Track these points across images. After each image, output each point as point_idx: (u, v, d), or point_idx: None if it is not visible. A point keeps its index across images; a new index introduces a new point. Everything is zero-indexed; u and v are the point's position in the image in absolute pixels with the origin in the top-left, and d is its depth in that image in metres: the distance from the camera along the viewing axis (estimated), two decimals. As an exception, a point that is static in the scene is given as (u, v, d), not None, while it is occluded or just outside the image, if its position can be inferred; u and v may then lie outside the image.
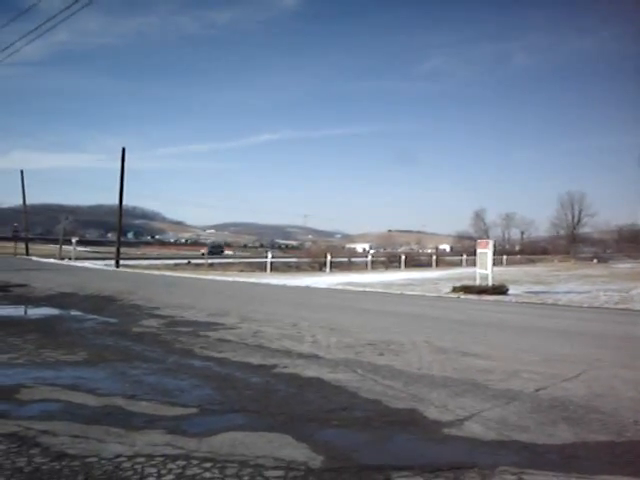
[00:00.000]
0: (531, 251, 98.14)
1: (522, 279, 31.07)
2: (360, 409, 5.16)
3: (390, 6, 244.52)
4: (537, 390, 6.00)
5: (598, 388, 6.16)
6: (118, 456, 3.79)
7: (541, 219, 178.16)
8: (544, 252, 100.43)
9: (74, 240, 46.91)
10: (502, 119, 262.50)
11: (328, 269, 41.17)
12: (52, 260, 43.02)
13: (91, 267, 36.45)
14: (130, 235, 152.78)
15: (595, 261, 76.98)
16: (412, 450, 4.23)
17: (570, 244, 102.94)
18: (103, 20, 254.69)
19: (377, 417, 4.91)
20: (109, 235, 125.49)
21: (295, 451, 3.99)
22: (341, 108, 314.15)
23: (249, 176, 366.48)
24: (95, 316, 11.50)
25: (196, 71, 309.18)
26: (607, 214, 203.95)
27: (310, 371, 6.75)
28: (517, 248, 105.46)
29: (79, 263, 39.91)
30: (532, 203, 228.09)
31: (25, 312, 12.86)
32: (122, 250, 41.86)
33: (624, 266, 60.01)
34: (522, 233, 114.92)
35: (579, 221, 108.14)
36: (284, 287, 23.74)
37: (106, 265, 38.04)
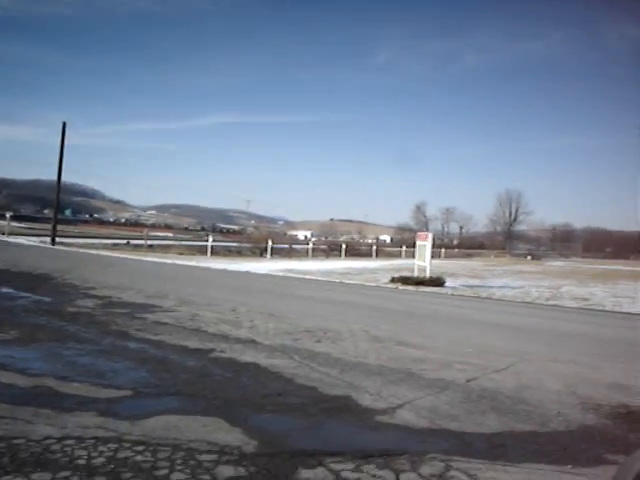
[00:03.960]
0: (469, 245, 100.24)
1: (459, 272, 31.75)
2: (295, 395, 5.20)
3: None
4: (468, 380, 6.18)
5: (526, 380, 6.38)
6: (47, 438, 3.72)
7: (480, 215, 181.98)
8: (481, 247, 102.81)
9: (8, 215, 45.25)
10: (447, 115, 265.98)
11: (269, 255, 41.08)
12: (-17, 235, 41.50)
13: (25, 243, 35.30)
14: (68, 212, 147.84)
15: (529, 258, 79.34)
16: (345, 436, 4.29)
17: (506, 240, 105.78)
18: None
19: (312, 403, 4.96)
20: (46, 211, 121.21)
21: (229, 435, 4.00)
22: (290, 95, 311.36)
23: (193, 158, 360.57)
24: (28, 294, 11.16)
25: (144, 48, 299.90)
26: (542, 213, 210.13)
27: (247, 356, 6.75)
28: (455, 242, 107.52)
29: (13, 239, 38.61)
30: (472, 199, 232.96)
31: (-47, 288, 12.36)
32: (59, 227, 40.56)
33: (556, 264, 62.13)
34: (461, 228, 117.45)
35: (516, 219, 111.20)
36: (224, 271, 23.58)
37: (41, 242, 36.83)
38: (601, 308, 16.28)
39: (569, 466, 3.87)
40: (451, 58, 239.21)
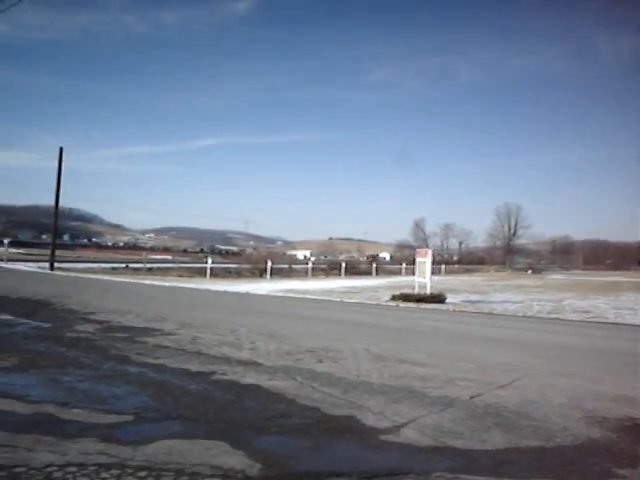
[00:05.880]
0: (469, 261, 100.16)
1: (459, 288, 31.69)
2: (298, 416, 5.15)
3: (337, 16, 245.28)
4: (472, 397, 6.13)
5: (530, 395, 6.34)
6: (48, 465, 3.67)
7: (479, 230, 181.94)
8: (481, 262, 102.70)
9: (6, 241, 45.32)
10: (443, 132, 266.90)
11: (269, 276, 41.02)
12: (-18, 262, 41.44)
13: (24, 269, 35.31)
14: (66, 237, 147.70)
15: (530, 272, 79.31)
16: (349, 457, 4.24)
17: (506, 255, 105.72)
18: (48, 14, 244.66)
19: (315, 424, 4.92)
20: (44, 237, 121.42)
21: (232, 459, 3.95)
22: (286, 115, 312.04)
23: (191, 180, 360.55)
24: (27, 320, 11.12)
25: (140, 72, 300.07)
26: (542, 226, 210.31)
27: (249, 378, 6.70)
28: (455, 258, 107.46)
29: (11, 265, 38.58)
30: (470, 214, 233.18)
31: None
32: (57, 252, 40.59)
33: (557, 277, 62.07)
34: (460, 243, 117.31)
35: (515, 233, 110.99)
36: (224, 293, 23.53)
37: (40, 268, 36.82)
38: (603, 320, 16.23)
39: (576, 481, 3.84)
40: (446, 74, 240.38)
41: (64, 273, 33.31)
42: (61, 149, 39.11)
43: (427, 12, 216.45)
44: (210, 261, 39.80)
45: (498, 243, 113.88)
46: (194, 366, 7.30)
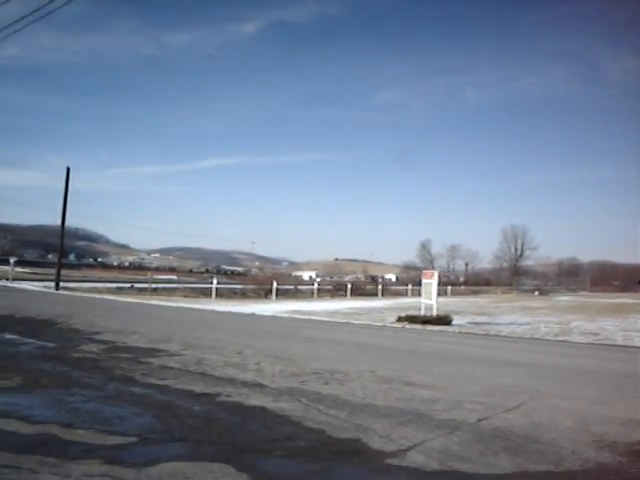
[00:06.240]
0: (475, 282, 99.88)
1: (466, 310, 31.52)
2: (303, 439, 5.10)
3: (344, 37, 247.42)
4: (479, 420, 6.06)
5: (538, 418, 6.26)
6: (51, 487, 3.64)
7: (485, 251, 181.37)
8: (487, 283, 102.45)
9: (12, 260, 45.51)
10: (449, 152, 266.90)
11: (274, 296, 40.98)
12: (-12, 281, 41.55)
13: (29, 288, 35.38)
14: (72, 257, 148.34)
15: (536, 293, 78.98)
16: (355, 481, 4.20)
17: (513, 276, 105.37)
18: (57, 36, 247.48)
19: (321, 447, 4.86)
20: (50, 256, 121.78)
21: (236, 482, 3.91)
22: (292, 136, 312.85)
23: (196, 200, 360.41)
24: (32, 340, 11.12)
25: (147, 92, 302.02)
26: (548, 248, 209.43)
27: (254, 400, 6.66)
28: (461, 279, 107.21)
29: (17, 284, 38.70)
30: (477, 235, 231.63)
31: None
32: (63, 272, 40.72)
33: (564, 299, 61.73)
34: (467, 264, 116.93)
35: (522, 254, 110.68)
36: (229, 314, 23.49)
37: (45, 287, 36.92)
38: (612, 343, 16.09)
39: (586, 507, 3.77)
40: (453, 95, 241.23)
41: (69, 292, 33.37)
42: (68, 169, 39.39)
43: (433, 33, 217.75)
44: (215, 282, 39.79)
45: (505, 264, 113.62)
46: (199, 387, 7.27)
